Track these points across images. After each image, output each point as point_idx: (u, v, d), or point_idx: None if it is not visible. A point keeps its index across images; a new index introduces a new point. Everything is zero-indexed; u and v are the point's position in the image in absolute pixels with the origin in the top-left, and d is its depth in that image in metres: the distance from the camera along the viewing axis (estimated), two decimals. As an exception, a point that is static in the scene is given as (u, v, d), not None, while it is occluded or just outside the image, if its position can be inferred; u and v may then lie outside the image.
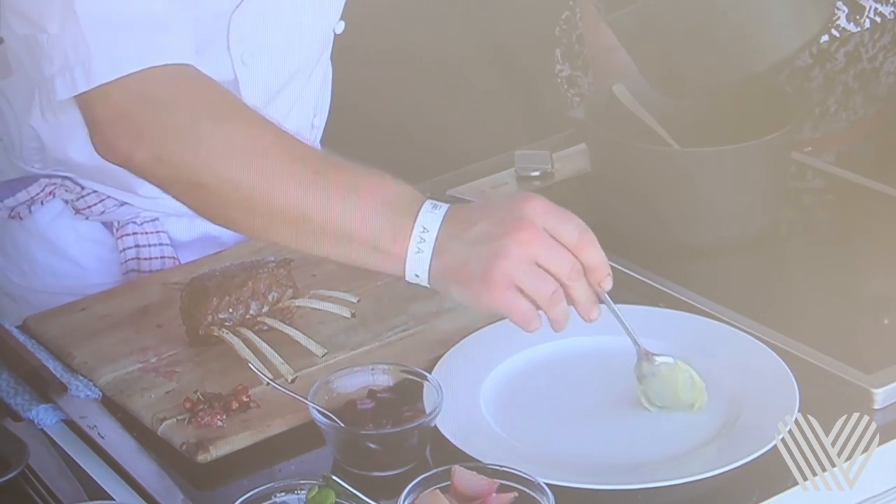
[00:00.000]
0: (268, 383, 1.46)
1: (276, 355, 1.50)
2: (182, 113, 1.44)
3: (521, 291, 1.36)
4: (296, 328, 1.55)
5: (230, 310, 1.55)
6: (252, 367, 1.47)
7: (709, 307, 1.59)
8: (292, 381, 1.48)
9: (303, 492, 1.29)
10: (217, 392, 1.46)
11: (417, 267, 1.38)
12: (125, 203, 1.76)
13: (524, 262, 1.35)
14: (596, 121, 1.74)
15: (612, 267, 1.60)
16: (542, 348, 1.52)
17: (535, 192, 1.77)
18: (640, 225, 1.72)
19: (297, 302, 1.58)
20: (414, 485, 1.29)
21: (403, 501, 1.27)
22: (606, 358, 1.51)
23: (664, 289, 1.64)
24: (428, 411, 1.39)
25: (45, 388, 1.49)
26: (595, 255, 1.38)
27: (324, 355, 1.52)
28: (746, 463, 1.34)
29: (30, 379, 1.50)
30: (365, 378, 1.44)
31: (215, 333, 1.54)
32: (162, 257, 1.77)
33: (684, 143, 1.77)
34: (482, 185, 1.87)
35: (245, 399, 1.45)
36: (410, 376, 1.44)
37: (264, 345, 1.51)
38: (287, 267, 1.59)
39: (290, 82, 1.75)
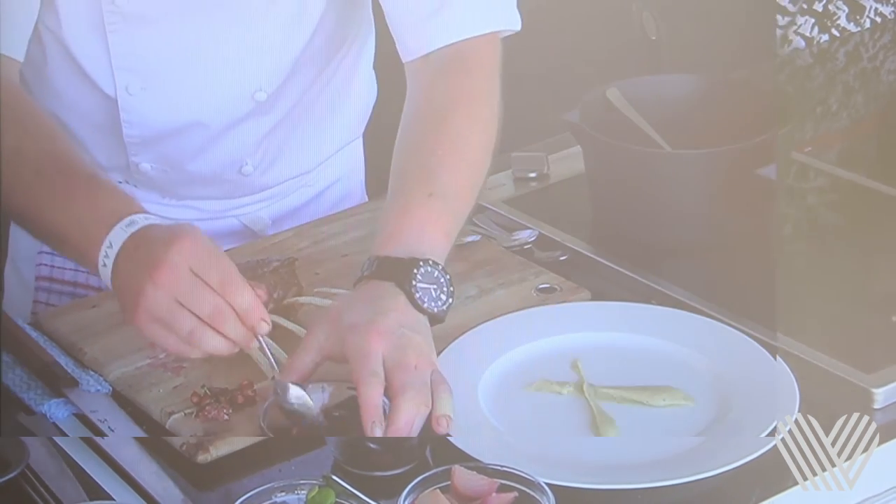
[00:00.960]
0: (273, 378, 1.35)
1: (281, 351, 1.40)
2: None
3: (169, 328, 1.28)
4: (300, 325, 1.46)
5: (235, 307, 1.46)
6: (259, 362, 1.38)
7: (700, 304, 1.51)
8: (295, 377, 1.39)
9: (303, 492, 1.20)
10: (223, 387, 1.37)
11: (105, 277, 1.31)
12: None
13: (163, 301, 1.26)
14: (590, 124, 1.67)
15: (608, 266, 1.59)
16: (541, 345, 1.44)
17: (531, 193, 1.77)
18: (634, 225, 1.64)
19: (302, 299, 1.49)
20: (414, 485, 1.20)
21: (403, 501, 1.18)
22: (605, 356, 1.43)
23: (657, 286, 1.55)
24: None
25: (57, 383, 1.41)
26: (241, 298, 1.27)
27: (327, 352, 1.43)
28: (746, 463, 1.25)
29: (42, 374, 1.43)
30: (317, 396, 1.32)
31: (220, 330, 1.45)
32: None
33: (676, 146, 1.71)
34: (480, 186, 1.78)
35: (251, 393, 1.37)
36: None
37: (269, 341, 1.40)
38: (291, 266, 1.51)
39: (191, 130, 1.63)
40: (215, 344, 1.28)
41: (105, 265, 1.30)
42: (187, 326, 1.26)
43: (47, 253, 1.70)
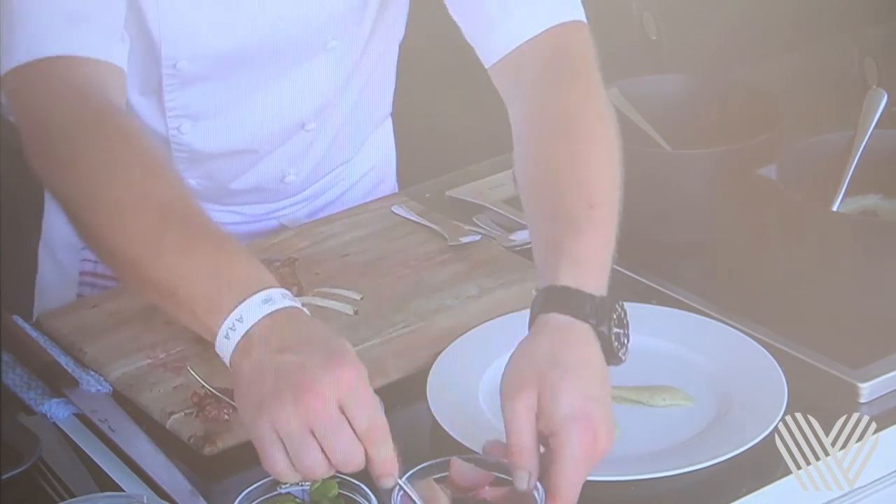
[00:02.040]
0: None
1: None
2: (65, 138, 1.34)
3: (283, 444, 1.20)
4: (300, 325, 1.54)
5: (236, 307, 1.54)
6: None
7: (700, 304, 1.59)
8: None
9: (307, 483, 1.27)
10: (224, 386, 1.44)
11: (223, 349, 1.24)
12: None
13: (297, 424, 1.19)
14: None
15: None
16: None
17: None
18: (633, 224, 1.62)
19: (302, 299, 1.57)
20: (412, 474, 1.26)
21: (398, 493, 1.25)
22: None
23: (656, 286, 1.64)
24: None
25: (58, 383, 1.49)
26: (380, 452, 1.21)
27: (327, 351, 1.51)
28: (736, 455, 1.34)
29: (43, 374, 1.50)
30: None
31: (222, 330, 1.53)
32: None
33: (676, 146, 1.78)
34: (480, 186, 1.87)
35: (251, 393, 1.44)
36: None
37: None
38: (292, 266, 1.60)
39: (240, 155, 1.72)
40: (322, 476, 1.22)
41: (228, 337, 1.22)
42: (310, 460, 1.19)
43: None
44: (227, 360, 1.24)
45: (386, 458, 1.21)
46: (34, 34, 1.39)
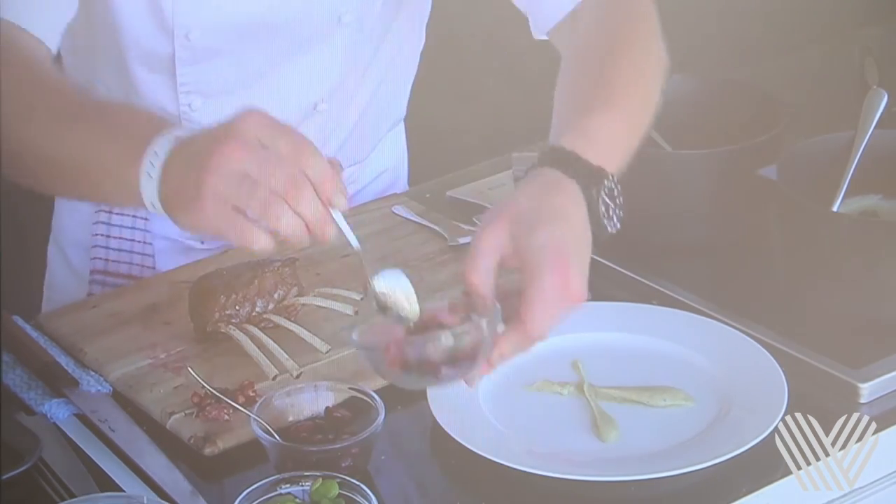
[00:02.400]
0: (274, 377, 1.47)
1: (282, 351, 1.50)
2: None
3: (238, 209, 1.21)
4: (301, 325, 1.55)
5: (237, 307, 1.55)
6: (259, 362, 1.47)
7: (700, 304, 1.59)
8: (297, 376, 1.48)
9: (307, 483, 1.29)
10: (224, 387, 1.45)
11: (150, 194, 1.25)
12: None
13: (232, 175, 1.20)
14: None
15: (608, 266, 1.66)
16: (542, 345, 1.46)
17: None
18: (634, 225, 1.62)
19: (303, 300, 1.58)
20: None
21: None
22: (605, 356, 1.52)
23: (656, 286, 1.64)
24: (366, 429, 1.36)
25: (58, 383, 1.49)
26: (316, 166, 1.21)
27: (328, 351, 1.52)
28: (736, 456, 1.34)
29: (43, 374, 1.51)
30: (308, 395, 1.42)
31: (222, 330, 1.54)
32: (134, 216, 1.76)
33: (676, 146, 1.78)
34: (481, 186, 1.87)
35: (251, 394, 1.45)
36: (356, 394, 1.41)
37: (270, 341, 1.52)
38: (292, 266, 1.59)
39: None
40: (292, 223, 1.21)
41: (150, 176, 1.23)
42: (261, 198, 1.19)
43: (101, 247, 1.76)
44: (158, 207, 1.25)
45: (324, 173, 1.22)
46: None
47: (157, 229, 1.78)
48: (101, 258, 1.77)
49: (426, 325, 1.29)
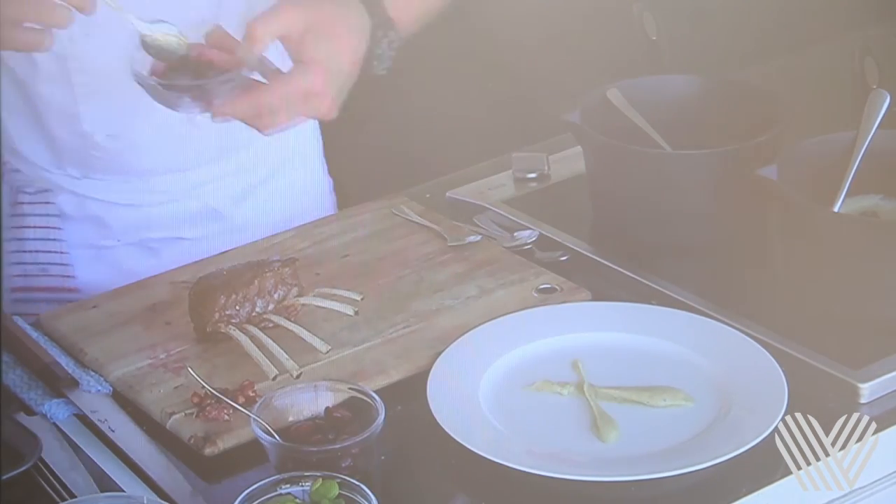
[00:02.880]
0: (274, 378, 1.47)
1: (282, 351, 1.51)
2: None
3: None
4: (301, 325, 1.55)
5: (237, 307, 1.55)
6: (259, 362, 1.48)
7: (700, 304, 1.60)
8: (297, 376, 1.48)
9: (307, 484, 1.29)
10: (224, 387, 1.46)
11: None
12: (17, 170, 1.75)
13: None
14: (590, 124, 1.74)
15: (608, 266, 1.68)
16: (542, 345, 1.53)
17: (531, 193, 1.85)
18: (634, 225, 1.73)
19: (302, 300, 1.59)
20: None
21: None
22: (605, 356, 1.52)
23: (656, 286, 1.65)
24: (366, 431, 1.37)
25: (58, 384, 1.49)
26: None
27: (328, 351, 1.52)
28: (736, 456, 1.35)
29: (43, 374, 1.51)
30: (308, 395, 1.42)
31: (222, 330, 1.54)
32: (47, 227, 1.75)
33: (676, 146, 1.78)
34: (480, 186, 1.88)
35: (251, 394, 1.45)
36: (356, 394, 1.42)
37: (270, 341, 1.52)
38: (292, 266, 1.60)
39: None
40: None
41: None
42: None
43: (16, 263, 1.75)
44: None
45: None
46: None
47: (73, 238, 1.77)
48: (19, 275, 1.77)
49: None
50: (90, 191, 1.76)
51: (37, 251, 1.76)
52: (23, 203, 1.76)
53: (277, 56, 1.48)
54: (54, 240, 1.76)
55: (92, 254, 1.79)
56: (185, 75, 1.44)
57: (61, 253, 1.76)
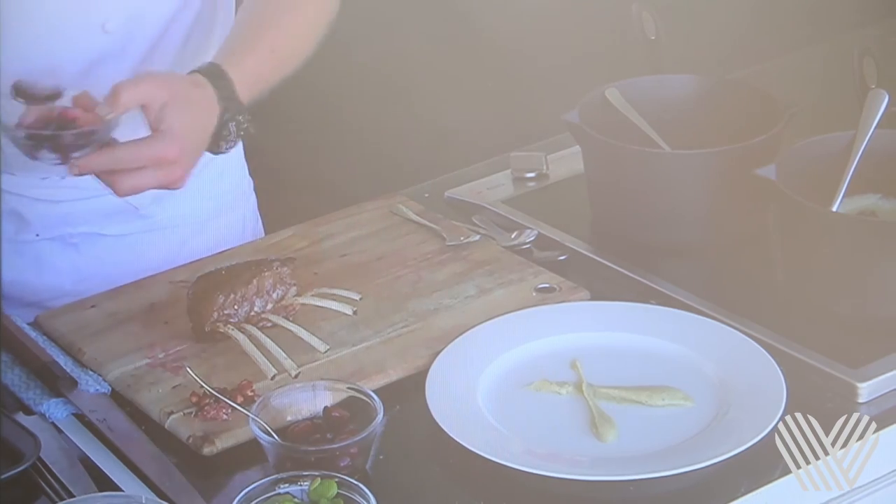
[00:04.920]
0: (273, 377, 1.47)
1: (281, 351, 1.51)
2: None
3: None
4: (299, 325, 1.56)
5: (235, 307, 1.55)
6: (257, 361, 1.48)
7: (700, 304, 1.60)
8: (296, 375, 1.48)
9: (305, 483, 1.29)
10: (223, 387, 1.46)
11: None
12: None
13: None
14: (589, 124, 1.74)
15: (607, 266, 1.68)
16: (538, 344, 1.54)
17: (530, 193, 1.85)
18: (633, 225, 1.73)
19: (301, 299, 1.59)
20: None
21: None
22: (604, 356, 1.52)
23: (656, 286, 1.65)
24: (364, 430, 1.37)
25: (56, 383, 1.50)
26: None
27: (326, 351, 1.52)
28: (735, 455, 1.35)
29: (41, 374, 1.51)
30: (307, 395, 1.43)
31: (221, 330, 1.55)
32: None
33: (675, 146, 1.78)
34: (479, 186, 1.88)
35: (250, 393, 1.45)
36: (355, 394, 1.42)
37: (269, 341, 1.52)
38: (291, 265, 1.60)
39: (47, 77, 1.65)
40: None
41: None
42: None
43: None
44: None
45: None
46: None
47: None
48: None
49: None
50: (8, 186, 1.76)
51: None
52: None
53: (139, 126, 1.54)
54: None
55: (11, 248, 1.78)
56: (49, 128, 1.50)
57: None
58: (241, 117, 1.57)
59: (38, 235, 1.78)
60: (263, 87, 1.62)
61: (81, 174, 1.51)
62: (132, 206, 1.78)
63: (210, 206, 1.86)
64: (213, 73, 1.57)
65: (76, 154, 1.49)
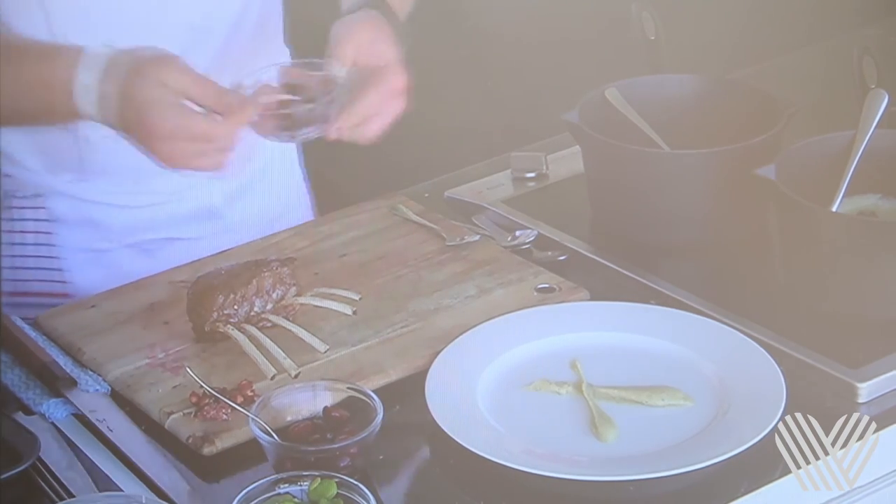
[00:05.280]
0: (272, 377, 1.47)
1: (280, 351, 1.51)
2: None
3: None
4: (299, 325, 1.56)
5: (235, 307, 1.55)
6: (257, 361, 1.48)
7: (699, 304, 1.60)
8: (296, 376, 1.48)
9: (305, 483, 1.29)
10: (222, 387, 1.46)
11: (87, 106, 1.47)
12: (7, 175, 1.76)
13: (172, 140, 1.45)
14: (589, 124, 1.74)
15: (607, 266, 1.68)
16: (538, 344, 1.54)
17: (530, 193, 1.85)
18: (633, 225, 1.74)
19: (301, 299, 1.59)
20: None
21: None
22: (604, 356, 1.52)
23: (656, 286, 1.65)
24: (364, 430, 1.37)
25: (56, 383, 1.50)
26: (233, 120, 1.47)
27: (326, 351, 1.52)
28: (735, 455, 1.35)
29: (41, 374, 1.51)
30: (306, 395, 1.43)
31: (221, 330, 1.55)
32: (37, 232, 1.76)
33: (675, 146, 1.78)
34: (479, 186, 1.88)
35: (250, 393, 1.45)
36: (355, 394, 1.42)
37: (268, 341, 1.52)
38: (290, 265, 1.60)
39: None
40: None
41: (88, 87, 1.44)
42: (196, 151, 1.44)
43: (8, 268, 1.75)
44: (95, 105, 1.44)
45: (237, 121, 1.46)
46: None
47: (68, 241, 1.78)
48: (11, 280, 1.77)
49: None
50: (84, 193, 1.77)
51: (29, 256, 1.76)
52: (14, 208, 1.76)
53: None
54: (47, 244, 1.77)
55: (88, 257, 1.79)
56: (286, 105, 1.54)
57: (54, 258, 1.77)
58: (408, 39, 1.62)
59: (114, 243, 1.79)
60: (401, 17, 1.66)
61: (340, 136, 1.54)
62: (206, 208, 1.81)
63: (277, 206, 1.88)
64: (378, 3, 1.62)
65: (324, 120, 1.52)
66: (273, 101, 1.53)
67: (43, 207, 1.76)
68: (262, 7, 1.79)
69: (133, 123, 1.45)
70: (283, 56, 1.85)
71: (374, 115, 1.55)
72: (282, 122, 1.52)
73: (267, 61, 1.62)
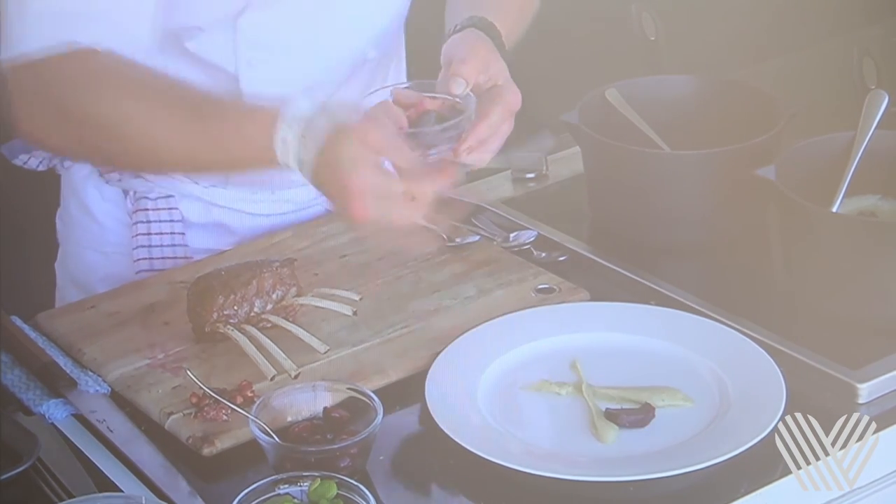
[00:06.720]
0: (272, 378, 1.47)
1: (280, 351, 1.51)
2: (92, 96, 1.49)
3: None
4: (299, 325, 1.56)
5: (235, 307, 1.55)
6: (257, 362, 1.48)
7: (699, 304, 1.60)
8: (295, 376, 1.48)
9: (305, 484, 1.29)
10: (222, 387, 1.46)
11: (288, 158, 1.45)
12: (139, 176, 1.77)
13: (370, 199, 1.44)
14: (589, 125, 1.75)
15: (607, 266, 1.68)
16: (538, 345, 1.54)
17: (530, 193, 1.86)
18: (633, 225, 1.74)
19: (301, 300, 1.59)
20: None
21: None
22: (604, 356, 1.52)
23: (656, 286, 1.65)
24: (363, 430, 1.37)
25: (56, 384, 1.50)
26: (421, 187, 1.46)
27: (326, 352, 1.52)
28: (735, 456, 1.35)
29: (41, 375, 1.51)
30: (306, 396, 1.43)
31: (221, 330, 1.55)
32: (172, 233, 1.78)
33: (675, 146, 1.79)
34: (479, 186, 1.88)
35: (249, 394, 1.46)
36: (355, 394, 1.43)
37: (268, 341, 1.52)
38: (291, 266, 1.60)
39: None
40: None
41: (286, 142, 1.43)
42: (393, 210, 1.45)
43: (145, 259, 1.78)
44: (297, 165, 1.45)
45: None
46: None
47: (194, 242, 1.80)
48: (144, 258, 1.80)
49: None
50: (218, 199, 1.80)
51: (163, 258, 1.78)
52: (147, 209, 1.79)
53: None
54: (178, 245, 1.79)
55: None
56: (426, 124, 1.56)
57: (185, 258, 1.79)
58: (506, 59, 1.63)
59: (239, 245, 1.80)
60: (510, 43, 1.67)
61: (470, 154, 1.55)
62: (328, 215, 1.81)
63: None
64: (486, 26, 1.64)
65: (453, 141, 1.54)
66: (402, 123, 1.53)
67: (174, 208, 1.79)
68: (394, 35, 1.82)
69: (328, 180, 1.44)
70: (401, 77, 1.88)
71: (491, 136, 1.56)
72: (409, 143, 1.50)
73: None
